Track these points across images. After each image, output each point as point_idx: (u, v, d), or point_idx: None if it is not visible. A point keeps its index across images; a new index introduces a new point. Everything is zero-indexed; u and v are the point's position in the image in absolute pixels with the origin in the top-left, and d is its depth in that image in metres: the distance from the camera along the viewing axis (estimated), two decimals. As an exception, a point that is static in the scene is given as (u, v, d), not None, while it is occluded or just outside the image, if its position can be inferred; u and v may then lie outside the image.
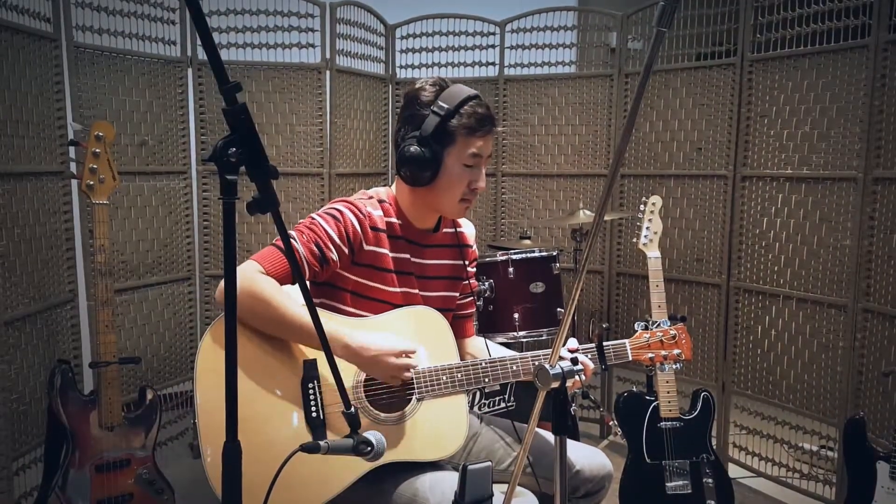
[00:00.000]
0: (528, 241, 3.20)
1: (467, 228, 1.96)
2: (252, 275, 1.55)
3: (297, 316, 1.54)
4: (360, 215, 1.69)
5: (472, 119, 1.67)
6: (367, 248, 1.70)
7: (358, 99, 3.48)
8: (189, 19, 3.05)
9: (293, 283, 1.62)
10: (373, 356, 1.56)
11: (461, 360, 1.74)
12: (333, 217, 1.67)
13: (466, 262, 1.93)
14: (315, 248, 1.63)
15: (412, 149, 1.67)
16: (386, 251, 1.73)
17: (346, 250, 1.67)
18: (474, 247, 1.97)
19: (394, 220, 1.76)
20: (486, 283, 2.79)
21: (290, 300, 1.56)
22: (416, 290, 1.79)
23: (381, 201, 1.76)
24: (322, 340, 1.21)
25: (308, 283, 1.69)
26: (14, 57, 2.35)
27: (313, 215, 1.69)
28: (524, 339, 2.86)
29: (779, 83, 2.95)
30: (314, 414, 1.57)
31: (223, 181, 0.99)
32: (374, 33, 3.57)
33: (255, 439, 1.51)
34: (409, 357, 1.61)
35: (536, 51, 3.62)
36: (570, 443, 1.55)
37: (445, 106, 1.66)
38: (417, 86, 1.72)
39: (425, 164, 1.67)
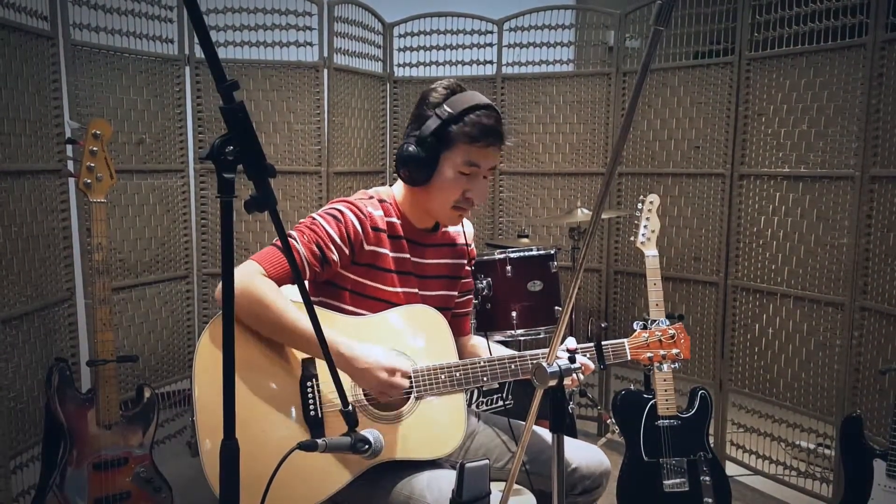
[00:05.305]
0: (525, 240, 3.20)
1: (466, 227, 1.96)
2: (252, 277, 1.55)
3: (296, 321, 1.54)
4: (361, 215, 1.69)
5: (474, 128, 1.65)
6: (367, 248, 1.70)
7: (356, 97, 3.48)
8: (186, 17, 3.05)
9: (293, 284, 1.61)
10: (364, 368, 1.55)
11: (459, 358, 1.74)
12: (334, 217, 1.67)
13: (465, 261, 1.93)
14: (316, 249, 1.63)
15: (410, 148, 1.68)
16: (386, 251, 1.73)
17: (347, 250, 1.67)
18: (472, 246, 1.97)
19: (394, 219, 1.76)
20: (484, 282, 2.79)
21: (290, 305, 1.55)
22: (416, 290, 1.79)
23: (381, 201, 1.76)
24: (320, 340, 1.21)
25: (308, 282, 1.69)
26: (11, 55, 2.35)
27: (314, 215, 1.69)
28: (522, 338, 2.86)
29: (776, 82, 2.95)
30: (312, 412, 1.57)
31: (221, 179, 0.99)
32: (371, 31, 3.57)
33: (252, 437, 1.51)
34: (400, 377, 1.59)
35: (534, 49, 3.62)
36: (567, 440, 1.55)
37: (449, 110, 1.65)
38: (432, 86, 1.72)
39: (420, 165, 1.67)
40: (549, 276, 2.89)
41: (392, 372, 1.57)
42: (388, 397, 1.60)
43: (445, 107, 1.66)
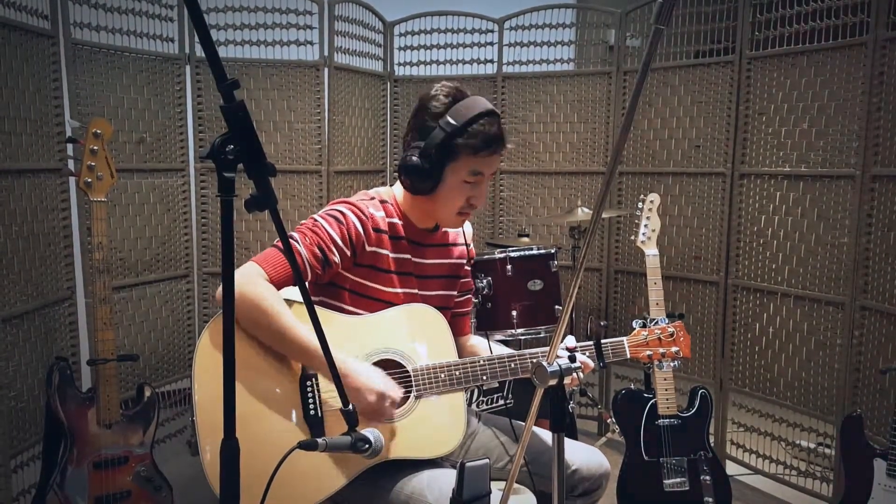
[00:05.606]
0: (526, 239, 3.20)
1: (465, 227, 1.96)
2: (253, 281, 1.54)
3: (294, 331, 1.53)
4: (363, 217, 1.69)
5: (477, 139, 1.64)
6: (368, 249, 1.70)
7: (356, 96, 3.48)
8: (187, 16, 3.05)
9: (295, 285, 1.61)
10: (356, 388, 1.53)
11: (459, 357, 1.74)
12: (336, 219, 1.66)
13: (464, 261, 1.93)
14: (317, 251, 1.62)
15: (414, 160, 1.66)
16: (387, 252, 1.73)
17: (349, 252, 1.67)
18: (472, 245, 1.97)
19: (396, 220, 1.76)
20: (485, 281, 2.79)
21: (289, 314, 1.54)
22: (416, 290, 1.79)
23: (382, 202, 1.76)
24: (323, 347, 1.21)
25: (308, 282, 1.69)
26: (12, 54, 2.35)
27: (315, 216, 1.68)
28: (522, 337, 2.86)
29: (777, 81, 2.95)
30: (312, 411, 1.57)
31: (221, 178, 0.99)
32: (372, 30, 3.56)
33: (253, 436, 1.51)
34: (390, 405, 1.58)
35: (535, 48, 3.62)
36: (567, 442, 1.54)
37: (453, 122, 1.63)
38: (432, 92, 1.69)
39: (425, 177, 1.66)
40: (550, 275, 2.89)
41: (382, 397, 1.55)
42: (374, 421, 1.58)
43: (448, 118, 1.64)
